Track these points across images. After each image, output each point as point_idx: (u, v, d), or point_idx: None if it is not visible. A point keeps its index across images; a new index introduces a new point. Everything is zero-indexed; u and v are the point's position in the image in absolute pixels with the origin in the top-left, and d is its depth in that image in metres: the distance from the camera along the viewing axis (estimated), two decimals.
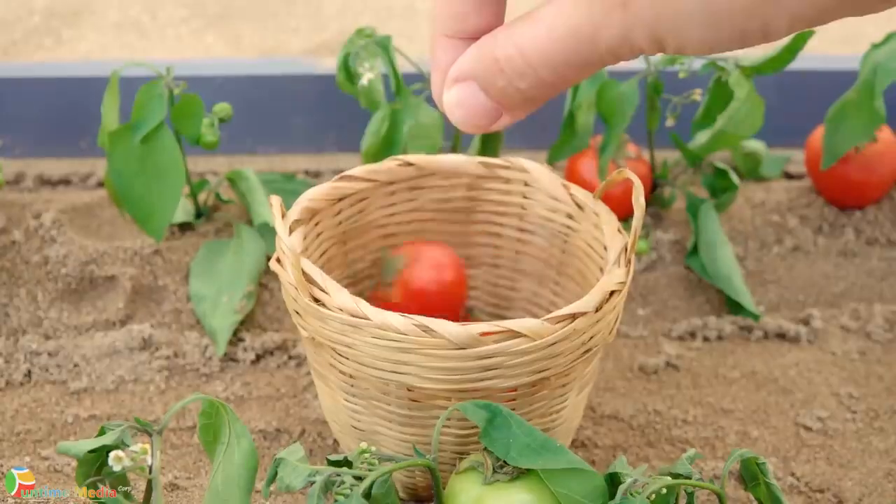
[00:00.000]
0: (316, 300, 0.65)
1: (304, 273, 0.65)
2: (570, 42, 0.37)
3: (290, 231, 0.69)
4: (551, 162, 0.99)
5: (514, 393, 0.65)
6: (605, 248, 0.70)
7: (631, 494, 0.60)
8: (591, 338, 0.65)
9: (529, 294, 0.82)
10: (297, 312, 0.67)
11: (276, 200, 0.68)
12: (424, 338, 0.61)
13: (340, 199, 0.75)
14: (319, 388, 0.73)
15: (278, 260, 0.67)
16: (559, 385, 0.67)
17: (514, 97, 0.39)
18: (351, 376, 0.67)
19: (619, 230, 0.69)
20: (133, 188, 0.87)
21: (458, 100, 0.41)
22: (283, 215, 0.69)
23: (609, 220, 0.71)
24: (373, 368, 0.64)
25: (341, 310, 0.63)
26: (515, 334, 0.62)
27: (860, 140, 0.93)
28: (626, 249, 0.67)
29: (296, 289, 0.65)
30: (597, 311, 0.64)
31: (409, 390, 0.65)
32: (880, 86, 0.90)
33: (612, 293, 0.65)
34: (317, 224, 0.74)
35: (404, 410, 0.67)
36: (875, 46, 0.92)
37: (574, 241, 0.76)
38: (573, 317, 0.63)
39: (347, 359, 0.65)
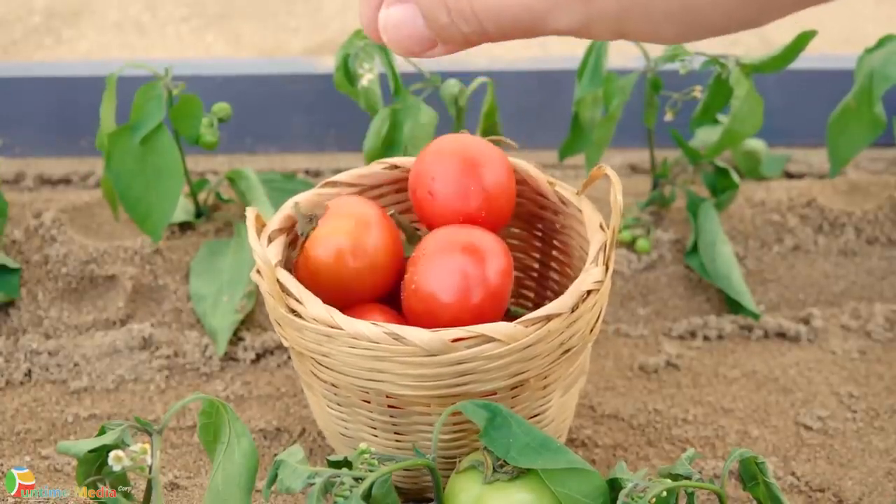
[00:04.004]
0: (292, 311, 0.65)
1: (279, 284, 0.65)
2: (521, 13, 0.36)
3: (271, 240, 0.69)
4: (562, 159, 0.99)
5: (493, 397, 0.64)
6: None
7: (632, 499, 0.60)
8: (570, 338, 0.65)
9: (528, 292, 0.82)
10: (278, 323, 0.67)
11: (251, 212, 0.67)
12: (397, 346, 0.61)
13: None
14: (308, 396, 0.73)
15: (259, 271, 0.67)
16: (540, 387, 0.67)
17: (455, 36, 0.39)
18: (333, 385, 0.67)
19: (601, 227, 0.69)
20: (132, 189, 0.87)
21: (396, 21, 0.40)
22: (263, 225, 0.69)
23: (591, 216, 0.70)
24: (351, 377, 0.64)
25: (316, 320, 0.63)
26: (488, 339, 0.61)
27: (863, 146, 0.93)
28: (604, 247, 0.67)
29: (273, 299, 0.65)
30: (573, 311, 0.63)
31: (388, 397, 0.65)
32: (878, 92, 0.90)
33: (588, 292, 0.65)
34: None
35: (386, 417, 0.67)
36: (868, 51, 0.92)
37: (563, 239, 0.76)
38: (548, 318, 0.63)
39: (327, 368, 0.65)
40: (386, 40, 0.40)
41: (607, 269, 0.66)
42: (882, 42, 0.92)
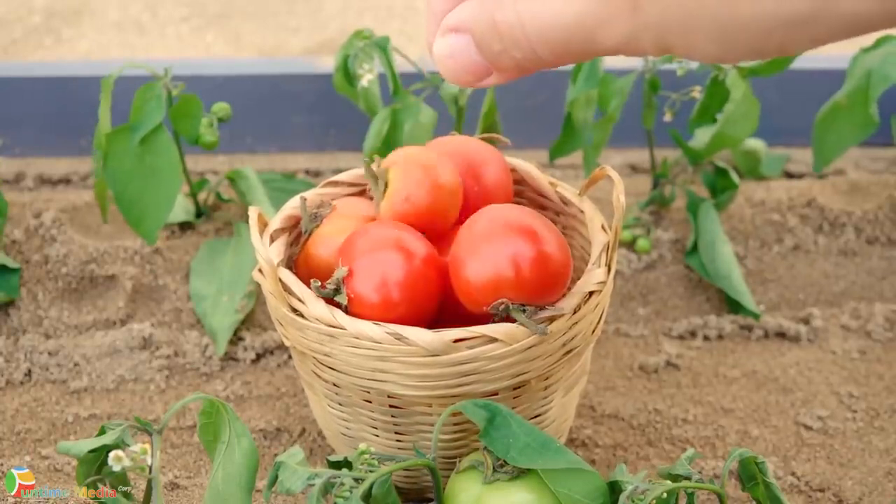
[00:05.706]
0: (294, 310, 0.65)
1: (282, 283, 0.65)
2: (572, 31, 0.36)
3: (273, 240, 0.69)
4: (553, 159, 0.99)
5: (495, 397, 0.64)
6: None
7: (632, 501, 0.60)
8: (572, 339, 0.65)
9: None
10: (280, 322, 0.67)
11: (253, 212, 0.67)
12: (399, 346, 0.61)
13: None
14: (309, 396, 0.73)
15: (261, 270, 0.67)
16: (542, 388, 0.67)
17: (508, 64, 0.39)
18: (335, 385, 0.67)
19: (602, 227, 0.69)
20: (128, 190, 0.86)
21: (450, 51, 0.40)
22: (265, 225, 0.69)
23: (593, 217, 0.70)
24: (353, 377, 0.64)
25: (318, 319, 0.63)
26: (490, 339, 0.61)
27: (851, 145, 0.93)
28: (607, 248, 0.67)
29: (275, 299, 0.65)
30: (575, 312, 0.63)
31: (390, 397, 0.65)
32: (874, 92, 0.89)
33: (591, 293, 0.64)
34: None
35: (388, 417, 0.67)
36: (865, 51, 0.92)
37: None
38: (550, 320, 0.62)
39: (329, 367, 0.65)
40: (442, 70, 0.41)
41: (609, 270, 0.66)
42: (880, 42, 0.92)
